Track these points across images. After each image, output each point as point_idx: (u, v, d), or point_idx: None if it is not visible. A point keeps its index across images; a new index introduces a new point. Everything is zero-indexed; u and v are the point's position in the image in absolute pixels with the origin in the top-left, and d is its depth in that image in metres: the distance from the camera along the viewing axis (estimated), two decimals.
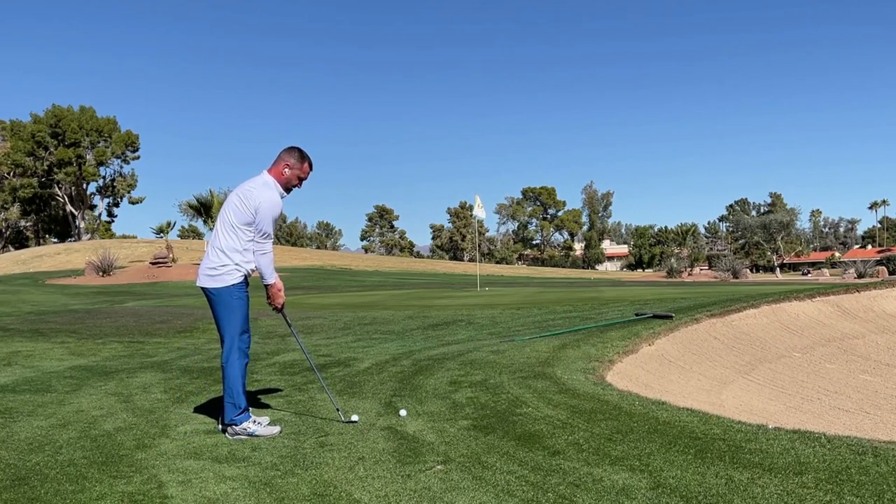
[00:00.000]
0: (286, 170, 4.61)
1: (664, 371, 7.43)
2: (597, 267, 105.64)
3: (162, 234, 49.22)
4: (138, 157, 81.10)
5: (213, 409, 5.20)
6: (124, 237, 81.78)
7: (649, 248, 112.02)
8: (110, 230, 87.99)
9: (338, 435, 4.41)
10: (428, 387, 5.80)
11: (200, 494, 3.40)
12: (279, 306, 4.75)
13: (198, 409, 5.28)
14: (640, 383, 6.56)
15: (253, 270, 4.66)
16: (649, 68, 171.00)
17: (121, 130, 78.81)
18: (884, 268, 43.83)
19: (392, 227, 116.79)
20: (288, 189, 4.68)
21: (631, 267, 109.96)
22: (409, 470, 3.68)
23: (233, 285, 4.52)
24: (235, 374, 4.51)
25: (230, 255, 4.51)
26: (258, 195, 4.49)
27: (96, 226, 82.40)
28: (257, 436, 4.41)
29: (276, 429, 4.53)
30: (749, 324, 10.17)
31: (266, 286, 4.68)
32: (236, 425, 4.43)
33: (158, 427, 4.73)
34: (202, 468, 3.80)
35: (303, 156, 4.67)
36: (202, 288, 4.61)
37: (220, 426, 4.62)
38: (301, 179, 4.70)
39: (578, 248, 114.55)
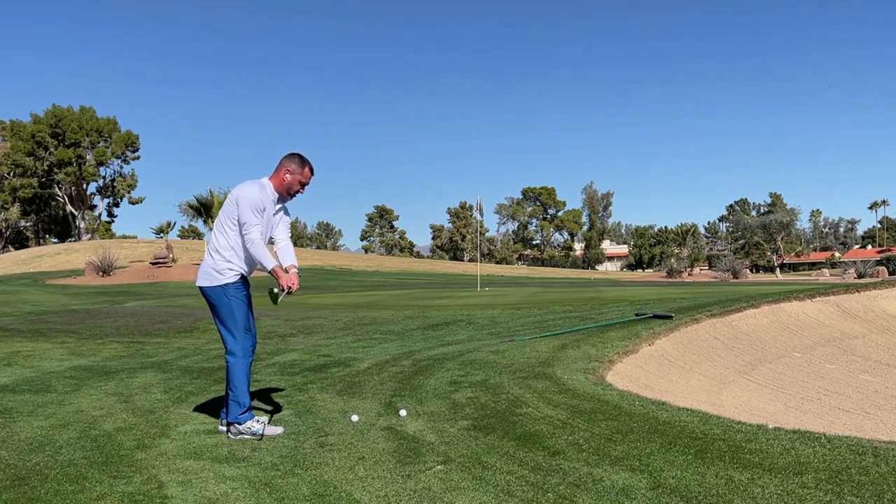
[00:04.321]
0: (287, 175, 4.67)
1: (664, 371, 7.43)
2: (597, 267, 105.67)
3: (162, 235, 49.24)
4: (138, 158, 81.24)
5: (213, 409, 5.21)
6: (124, 237, 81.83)
7: (649, 249, 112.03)
8: (110, 230, 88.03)
9: (338, 435, 4.41)
10: (428, 387, 5.80)
11: (200, 494, 3.40)
12: (292, 289, 4.59)
13: (198, 409, 5.29)
14: (640, 383, 6.56)
15: (253, 269, 4.69)
16: (649, 68, 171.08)
17: (121, 130, 78.85)
18: (884, 268, 43.82)
19: (392, 227, 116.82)
20: (291, 194, 4.74)
21: (631, 267, 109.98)
22: (409, 470, 3.68)
23: (226, 284, 4.55)
24: (239, 373, 4.53)
25: (224, 253, 4.57)
26: (238, 189, 4.58)
27: (96, 226, 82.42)
28: (261, 435, 4.41)
29: (279, 429, 4.54)
30: (749, 324, 10.17)
31: (270, 273, 4.63)
32: (239, 424, 4.44)
33: (158, 427, 4.73)
34: (202, 468, 3.80)
35: (303, 161, 4.72)
36: (199, 288, 4.66)
37: (221, 426, 4.62)
38: (303, 184, 4.75)
39: (578, 248, 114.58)
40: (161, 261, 36.34)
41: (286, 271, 4.59)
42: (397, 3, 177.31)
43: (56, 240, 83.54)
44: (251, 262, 4.63)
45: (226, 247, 4.56)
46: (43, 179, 77.13)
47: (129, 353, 8.65)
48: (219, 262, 4.56)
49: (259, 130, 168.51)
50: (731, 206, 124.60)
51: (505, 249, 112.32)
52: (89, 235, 78.12)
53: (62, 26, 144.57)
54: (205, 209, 36.98)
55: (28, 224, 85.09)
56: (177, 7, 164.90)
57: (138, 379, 6.65)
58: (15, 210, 79.87)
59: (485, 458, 3.83)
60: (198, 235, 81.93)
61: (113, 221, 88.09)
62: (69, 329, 11.33)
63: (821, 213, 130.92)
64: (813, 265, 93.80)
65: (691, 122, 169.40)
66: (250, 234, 4.51)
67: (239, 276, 4.60)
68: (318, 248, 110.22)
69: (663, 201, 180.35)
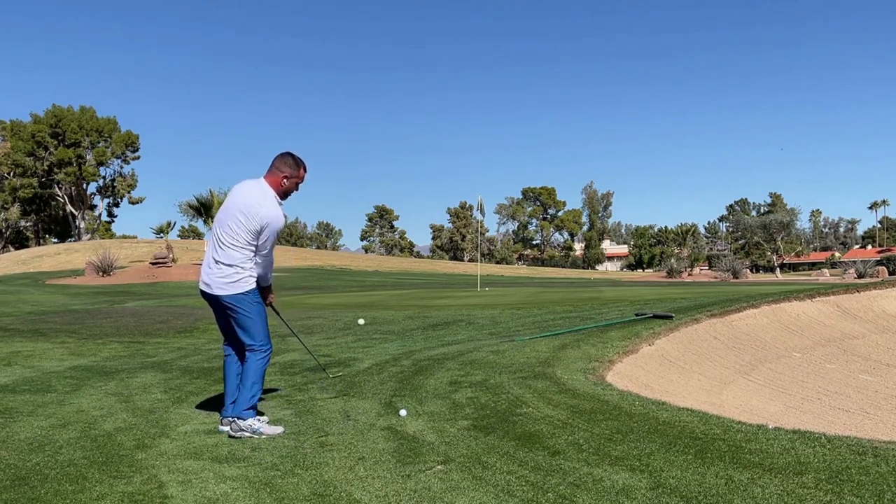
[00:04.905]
0: (285, 181, 4.67)
1: (664, 371, 7.43)
2: (597, 267, 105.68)
3: (162, 235, 49.27)
4: (138, 158, 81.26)
5: (213, 409, 5.21)
6: (124, 237, 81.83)
7: (649, 249, 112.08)
8: (110, 230, 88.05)
9: (338, 435, 4.41)
10: (428, 387, 5.80)
11: (200, 494, 3.39)
12: (272, 302, 5.05)
13: (198, 409, 5.28)
14: (640, 383, 6.56)
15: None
16: (649, 67, 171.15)
17: (121, 130, 78.86)
18: (884, 268, 43.80)
19: (392, 227, 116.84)
20: (286, 195, 4.76)
21: (631, 267, 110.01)
22: (409, 470, 3.68)
23: (248, 291, 4.62)
24: (259, 371, 4.62)
25: (243, 265, 4.59)
26: (266, 213, 4.53)
27: (96, 226, 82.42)
28: (262, 433, 4.42)
29: (279, 429, 4.54)
30: (749, 324, 10.17)
31: (266, 287, 4.88)
32: (243, 420, 4.45)
33: (158, 427, 4.73)
34: (202, 468, 3.80)
35: (298, 162, 4.73)
36: (216, 297, 4.63)
37: (222, 426, 4.62)
38: (298, 185, 4.78)
39: (578, 248, 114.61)
40: (161, 261, 36.33)
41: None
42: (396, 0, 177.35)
43: (56, 240, 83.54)
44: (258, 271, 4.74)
45: (243, 260, 4.58)
46: (43, 179, 77.11)
47: (129, 353, 8.64)
48: (239, 272, 4.58)
49: (259, 128, 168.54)
50: (731, 206, 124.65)
51: (505, 249, 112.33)
52: (89, 235, 78.11)
53: (62, 25, 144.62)
54: (205, 209, 36.96)
55: (28, 224, 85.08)
56: (176, 5, 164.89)
57: (138, 379, 6.64)
58: (15, 210, 79.86)
59: (485, 458, 3.83)
60: (198, 235, 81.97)
61: (113, 221, 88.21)
62: (69, 329, 11.33)
63: (821, 213, 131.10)
64: (813, 265, 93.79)
65: (691, 121, 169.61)
66: (271, 256, 4.74)
67: (256, 282, 4.71)
68: (318, 248, 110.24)
69: (663, 201, 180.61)
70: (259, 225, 4.51)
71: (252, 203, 4.53)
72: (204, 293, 4.69)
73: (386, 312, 12.78)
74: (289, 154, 4.71)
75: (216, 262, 4.60)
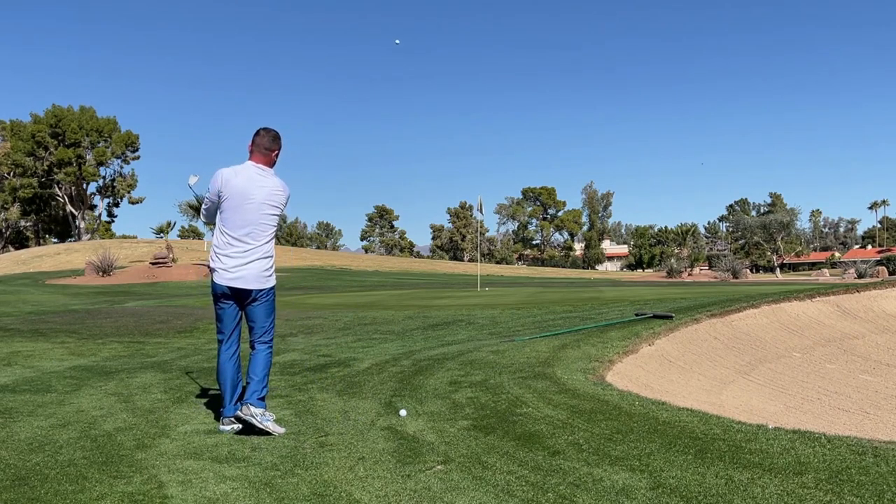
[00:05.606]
0: (275, 155, 4.85)
1: (664, 371, 7.43)
2: (597, 267, 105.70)
3: (162, 234, 49.33)
4: (138, 158, 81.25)
5: (213, 408, 5.21)
6: (124, 237, 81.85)
7: (649, 249, 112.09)
8: (110, 230, 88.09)
9: (338, 435, 4.41)
10: (428, 387, 5.80)
11: (200, 494, 3.39)
12: None
13: (198, 409, 5.28)
14: (640, 383, 6.56)
15: None
16: (649, 67, 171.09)
17: (121, 130, 78.85)
18: (884, 268, 43.82)
19: (392, 227, 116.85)
20: None
21: (631, 267, 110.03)
22: (409, 470, 3.68)
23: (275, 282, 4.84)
24: (270, 363, 4.74)
25: (273, 256, 4.80)
26: (285, 196, 4.80)
27: (96, 226, 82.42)
28: (267, 426, 4.41)
29: (280, 429, 4.54)
30: (749, 324, 10.18)
31: None
32: (256, 408, 4.45)
33: (158, 427, 4.73)
34: (202, 468, 3.80)
35: (279, 135, 4.86)
36: (251, 290, 4.64)
37: (222, 426, 4.61)
38: None
39: (578, 248, 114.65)
40: (161, 261, 36.29)
41: None
42: (396, 1, 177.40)
43: (56, 240, 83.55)
44: None
45: (272, 248, 4.79)
46: (43, 179, 77.10)
47: (129, 353, 8.64)
48: (273, 265, 4.78)
49: (258, 127, 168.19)
50: (731, 206, 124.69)
51: (505, 249, 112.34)
52: (89, 235, 78.12)
53: (62, 25, 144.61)
54: None
55: (28, 224, 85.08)
56: (177, 5, 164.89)
57: (138, 379, 6.64)
58: (15, 210, 79.85)
59: (485, 458, 3.83)
60: (198, 235, 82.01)
61: (113, 221, 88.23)
62: (69, 329, 11.32)
63: (821, 213, 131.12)
64: (813, 265, 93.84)
65: (691, 121, 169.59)
66: None
67: None
68: (318, 248, 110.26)
69: (663, 201, 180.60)
70: (283, 209, 4.83)
71: (274, 193, 4.74)
72: (233, 290, 4.62)
73: (386, 312, 12.78)
74: (268, 131, 4.82)
75: (260, 257, 4.67)
